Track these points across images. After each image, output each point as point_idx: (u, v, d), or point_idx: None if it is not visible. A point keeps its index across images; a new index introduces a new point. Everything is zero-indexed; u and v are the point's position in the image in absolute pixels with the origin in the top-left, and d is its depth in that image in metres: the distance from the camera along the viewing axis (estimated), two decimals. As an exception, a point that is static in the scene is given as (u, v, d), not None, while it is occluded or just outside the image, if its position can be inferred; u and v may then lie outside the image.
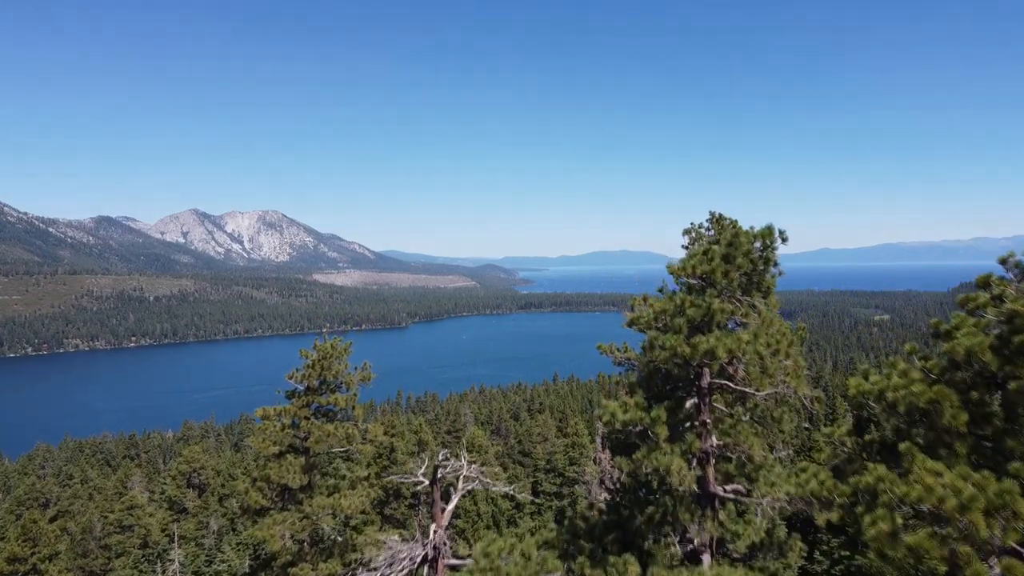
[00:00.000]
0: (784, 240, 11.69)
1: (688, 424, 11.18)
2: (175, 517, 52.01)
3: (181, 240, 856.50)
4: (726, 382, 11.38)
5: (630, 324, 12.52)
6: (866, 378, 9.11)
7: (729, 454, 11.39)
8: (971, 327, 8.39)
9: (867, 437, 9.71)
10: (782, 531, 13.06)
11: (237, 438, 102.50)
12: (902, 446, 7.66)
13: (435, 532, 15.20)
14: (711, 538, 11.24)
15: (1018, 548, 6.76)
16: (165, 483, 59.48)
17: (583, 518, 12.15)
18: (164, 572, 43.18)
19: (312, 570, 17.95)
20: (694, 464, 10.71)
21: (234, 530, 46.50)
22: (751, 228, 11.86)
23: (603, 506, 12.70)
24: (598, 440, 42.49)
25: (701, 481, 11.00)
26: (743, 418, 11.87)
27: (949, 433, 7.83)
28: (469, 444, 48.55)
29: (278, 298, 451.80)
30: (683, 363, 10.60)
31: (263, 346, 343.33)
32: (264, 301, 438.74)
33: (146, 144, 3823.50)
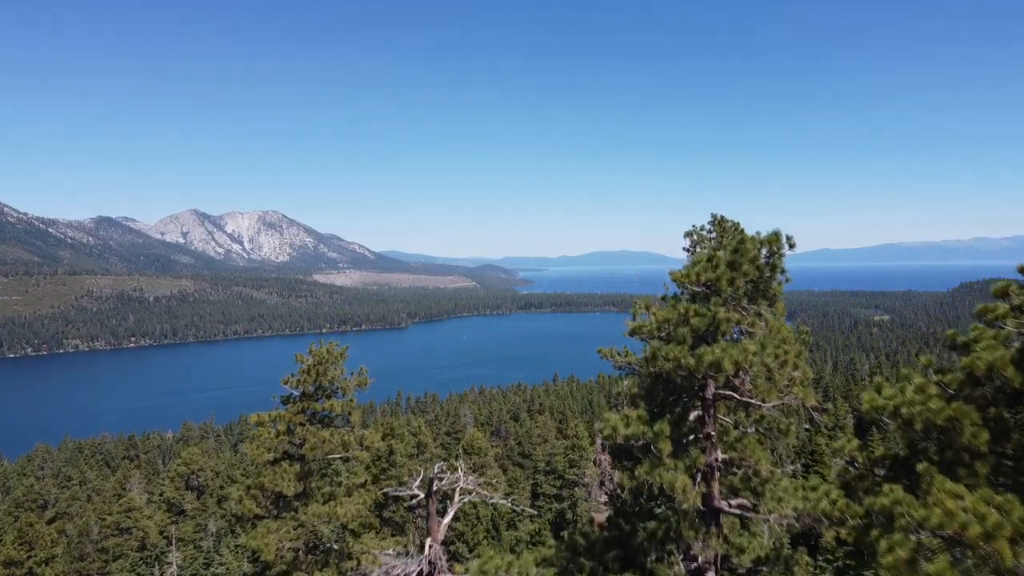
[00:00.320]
0: (792, 246, 11.27)
1: (692, 437, 10.79)
2: (173, 519, 51.65)
3: (181, 240, 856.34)
4: (731, 393, 11.00)
5: (632, 333, 12.13)
6: (879, 392, 8.69)
7: (734, 468, 10.99)
8: (991, 340, 7.98)
9: (878, 452, 9.33)
10: (788, 546, 12.67)
11: (236, 439, 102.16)
12: (920, 467, 7.27)
13: (430, 547, 14.82)
14: (716, 555, 10.85)
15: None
16: (164, 485, 59.12)
17: (583, 534, 11.74)
18: (162, 575, 42.84)
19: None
20: (699, 480, 10.31)
21: (232, 532, 46.15)
22: (757, 233, 11.43)
23: (604, 520, 12.30)
24: (598, 442, 42.10)
25: (705, 496, 10.60)
26: (749, 430, 11.47)
27: (969, 452, 7.45)
28: (468, 446, 48.17)
29: (278, 298, 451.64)
30: (687, 375, 10.20)
31: (263, 346, 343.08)
32: (264, 301, 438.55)
33: (146, 144, 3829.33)
